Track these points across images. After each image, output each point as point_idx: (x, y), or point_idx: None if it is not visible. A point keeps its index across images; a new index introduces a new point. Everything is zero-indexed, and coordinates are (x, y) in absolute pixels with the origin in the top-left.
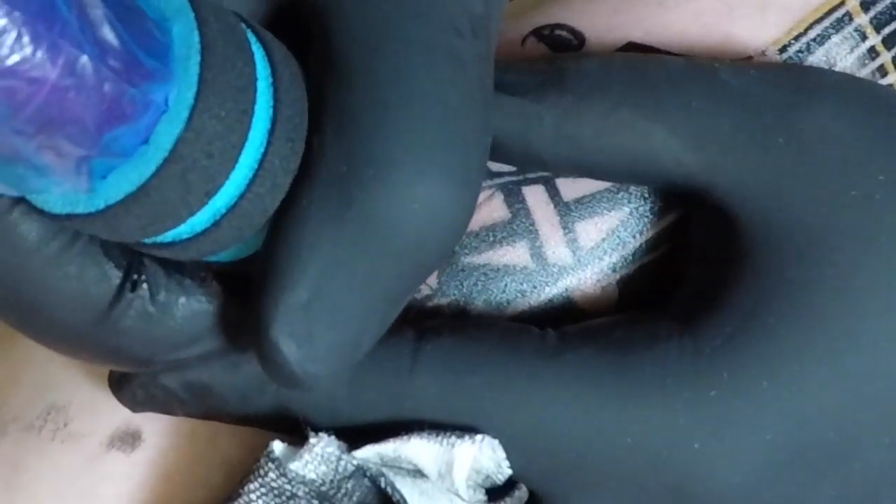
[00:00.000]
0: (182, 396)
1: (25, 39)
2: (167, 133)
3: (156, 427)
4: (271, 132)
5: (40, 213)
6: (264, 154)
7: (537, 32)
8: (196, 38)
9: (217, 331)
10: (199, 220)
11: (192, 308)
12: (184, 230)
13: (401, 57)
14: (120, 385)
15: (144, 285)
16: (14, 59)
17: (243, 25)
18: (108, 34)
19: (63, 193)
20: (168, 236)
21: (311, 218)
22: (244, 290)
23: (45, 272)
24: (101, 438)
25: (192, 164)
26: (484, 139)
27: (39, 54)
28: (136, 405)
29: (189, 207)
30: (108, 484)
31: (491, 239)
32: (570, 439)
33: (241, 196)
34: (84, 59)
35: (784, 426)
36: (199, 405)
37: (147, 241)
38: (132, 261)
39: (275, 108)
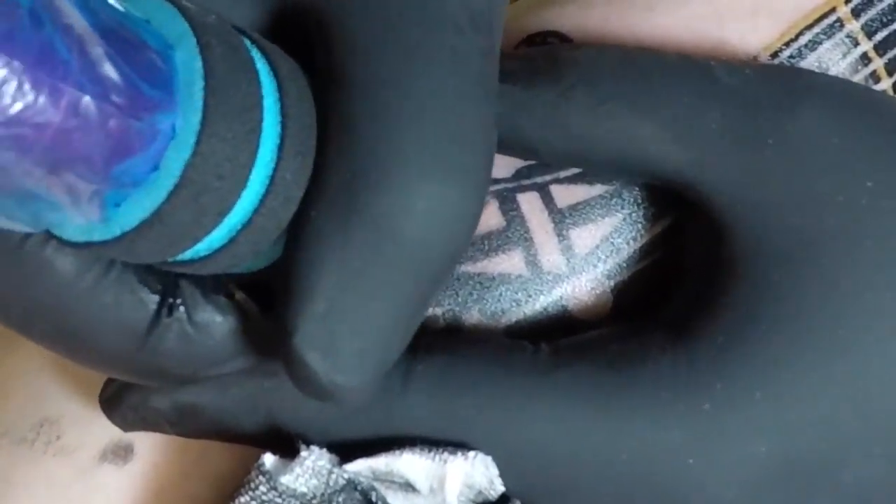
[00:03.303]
0: (172, 418)
1: (27, 87)
2: (176, 159)
3: (148, 441)
4: (281, 147)
5: (69, 245)
6: (275, 170)
7: (529, 40)
8: (199, 63)
9: (254, 345)
10: (216, 237)
11: (229, 325)
12: (201, 248)
13: (399, 60)
14: (110, 406)
15: (181, 308)
16: (17, 107)
17: (247, 43)
18: (110, 71)
19: (79, 224)
20: (187, 255)
21: (321, 228)
22: (272, 302)
23: (84, 304)
24: (94, 452)
25: (203, 188)
26: (489, 134)
27: (42, 100)
28: (126, 425)
29: (204, 228)
30: (100, 497)
31: (486, 247)
32: (564, 457)
33: (255, 212)
34: (87, 99)
35: (778, 438)
36: (190, 426)
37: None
38: (167, 284)
39: (283, 123)
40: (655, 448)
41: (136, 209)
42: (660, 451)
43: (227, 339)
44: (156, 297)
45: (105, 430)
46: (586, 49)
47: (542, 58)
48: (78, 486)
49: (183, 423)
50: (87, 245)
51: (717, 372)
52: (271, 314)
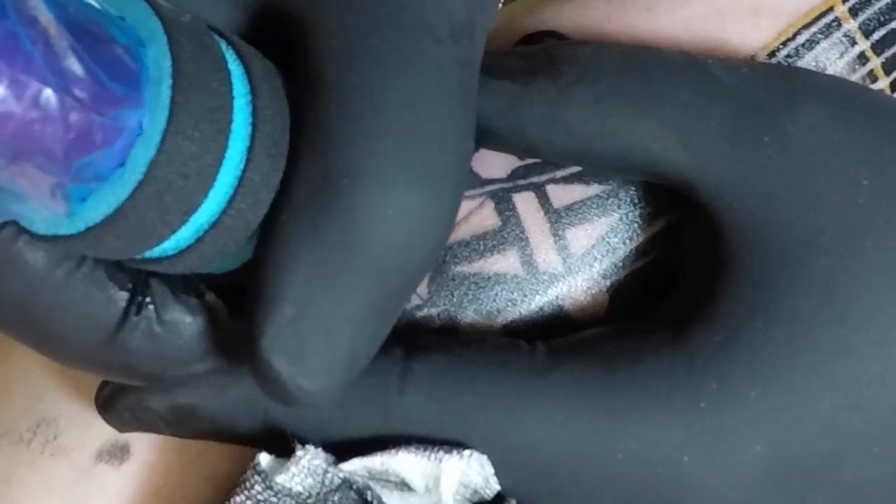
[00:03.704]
0: (169, 418)
1: None
2: (141, 156)
3: (145, 441)
4: (251, 149)
5: (37, 238)
6: (244, 171)
7: (527, 39)
8: (168, 61)
9: (223, 347)
10: (183, 236)
11: (197, 326)
12: (168, 246)
13: (373, 66)
14: (107, 407)
15: (150, 306)
16: None
17: (222, 43)
18: (74, 65)
19: (46, 216)
20: (154, 252)
21: (291, 232)
22: (243, 303)
23: (53, 298)
24: (91, 452)
25: (167, 186)
26: (463, 145)
27: (2, 90)
28: (123, 426)
29: (169, 226)
30: (97, 497)
31: (481, 247)
32: (561, 457)
33: (223, 212)
34: (48, 91)
35: (775, 436)
36: (187, 426)
37: (135, 257)
38: (138, 282)
39: (254, 124)
40: (652, 447)
41: (101, 204)
42: (656, 449)
43: (196, 340)
44: (125, 295)
45: (102, 431)
46: (585, 46)
47: (540, 55)
48: (75, 485)
49: (180, 424)
50: (54, 238)
51: (714, 371)
52: (241, 316)
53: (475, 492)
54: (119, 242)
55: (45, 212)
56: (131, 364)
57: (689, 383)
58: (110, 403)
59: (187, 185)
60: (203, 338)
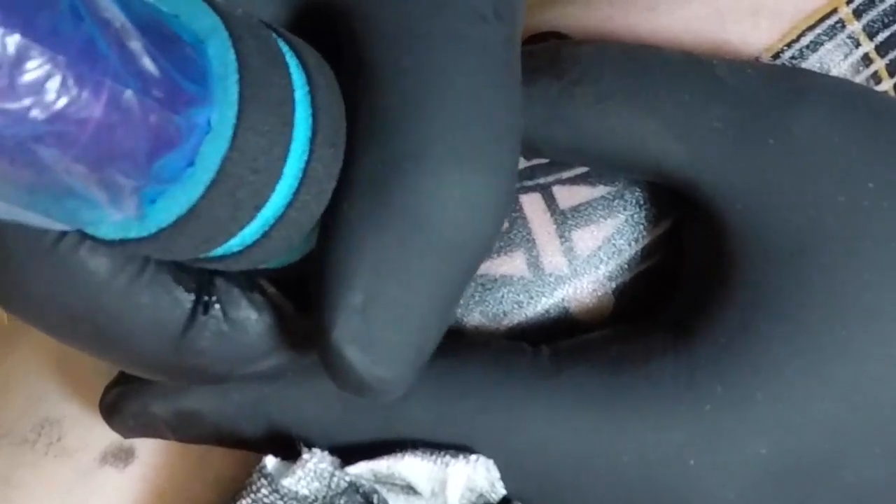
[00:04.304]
0: (174, 424)
1: (70, 82)
2: (212, 154)
3: (149, 444)
4: (312, 140)
5: (103, 244)
6: (308, 162)
7: (530, 40)
8: (232, 56)
9: (289, 342)
10: (250, 232)
11: (264, 323)
12: (235, 243)
13: (426, 50)
14: (111, 413)
15: (217, 306)
16: (61, 102)
17: (275, 36)
18: (149, 65)
19: (115, 221)
20: (219, 250)
21: (353, 219)
22: (304, 297)
23: (119, 304)
24: (95, 454)
25: (239, 182)
26: (516, 121)
27: (85, 94)
28: (127, 432)
29: (239, 222)
30: (100, 499)
31: None
32: (565, 460)
33: (289, 205)
34: (128, 93)
35: (778, 438)
36: (191, 431)
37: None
38: (202, 282)
39: (314, 115)
40: (657, 449)
41: (173, 205)
42: (661, 452)
43: (263, 337)
44: (191, 296)
45: (106, 432)
46: (588, 45)
47: (543, 54)
48: (78, 487)
49: (184, 430)
50: (123, 243)
51: (718, 373)
52: (305, 310)
53: (481, 495)
54: (190, 242)
55: (116, 216)
56: (200, 365)
57: (692, 386)
58: (115, 409)
59: (258, 180)
60: (270, 334)
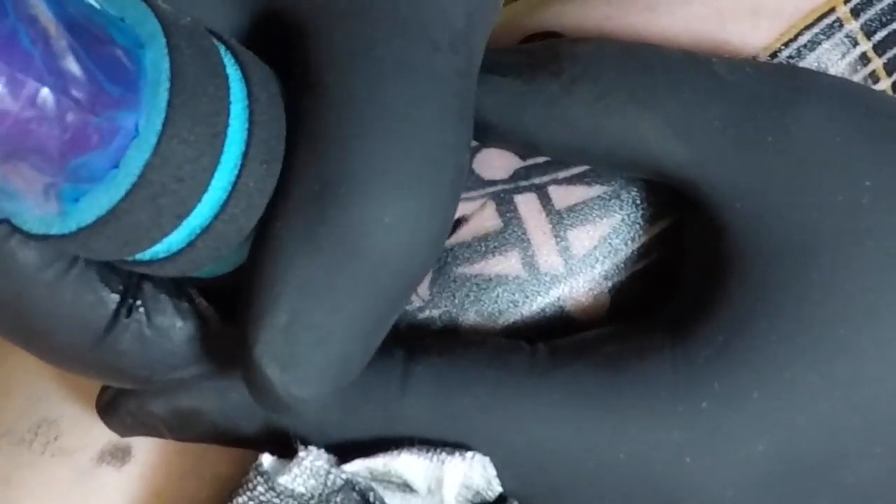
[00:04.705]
0: (171, 423)
1: None
2: (136, 158)
3: (146, 443)
4: (245, 154)
5: (29, 237)
6: (238, 176)
7: (529, 40)
8: (166, 64)
9: (213, 353)
10: (175, 239)
11: (188, 331)
12: (160, 249)
13: (372, 74)
14: (108, 411)
15: (141, 310)
16: None
17: (221, 47)
18: (72, 65)
19: (38, 216)
20: (146, 255)
21: (286, 238)
22: (234, 308)
23: (43, 298)
24: (92, 453)
25: (161, 189)
26: (459, 154)
27: (1, 89)
28: (124, 430)
29: (161, 229)
30: (98, 498)
31: (483, 249)
32: (562, 457)
33: (216, 217)
34: (45, 91)
35: (776, 437)
36: (189, 430)
37: (126, 259)
38: (129, 285)
39: (250, 130)
40: (653, 448)
41: (94, 206)
42: (658, 450)
43: (186, 345)
44: (116, 297)
45: (103, 432)
46: (587, 43)
47: (542, 52)
48: (76, 487)
49: (182, 428)
50: (45, 238)
51: (715, 371)
52: (232, 322)
53: (477, 493)
54: (110, 244)
55: (37, 211)
56: (120, 366)
57: (690, 383)
58: (112, 408)
59: (181, 189)
60: (193, 343)
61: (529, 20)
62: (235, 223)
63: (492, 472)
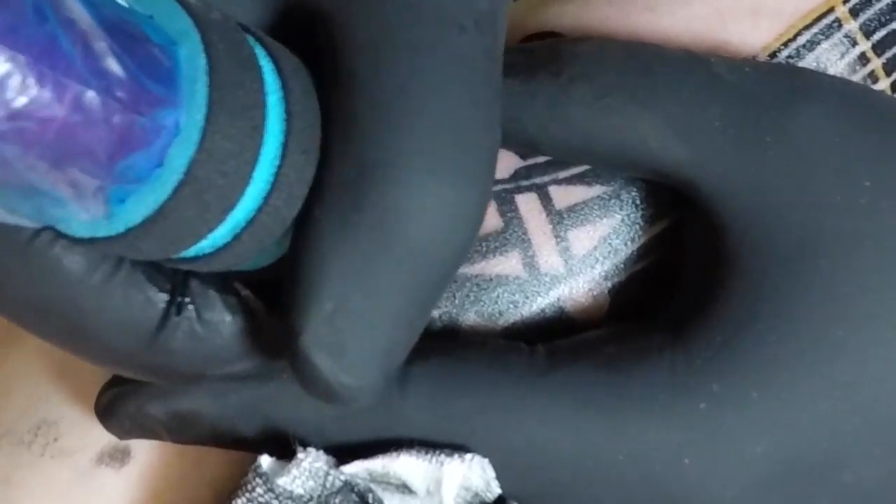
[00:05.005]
0: (170, 425)
1: (31, 81)
2: (180, 156)
3: (145, 444)
4: (285, 145)
5: (75, 242)
6: (279, 167)
7: (529, 40)
8: (203, 60)
9: (261, 345)
10: (220, 234)
11: (237, 325)
12: (205, 245)
13: (403, 59)
14: (106, 414)
15: (190, 307)
16: (21, 101)
17: (251, 40)
18: (113, 66)
19: (84, 220)
20: (190, 252)
21: (326, 226)
22: (277, 300)
23: (92, 302)
24: (92, 454)
25: (207, 184)
26: (493, 134)
27: (46, 94)
28: (123, 433)
29: (207, 225)
30: (97, 499)
31: (483, 249)
32: (562, 458)
33: (259, 210)
34: (91, 94)
35: (776, 438)
36: (188, 433)
37: (171, 257)
38: (176, 283)
39: (287, 120)
40: (652, 449)
41: (140, 206)
42: (657, 451)
43: (236, 339)
44: (165, 296)
45: (103, 433)
46: (587, 43)
47: (542, 51)
48: (76, 488)
49: (180, 431)
50: (92, 241)
51: (714, 372)
52: (277, 313)
53: (476, 495)
54: (158, 243)
55: (83, 215)
56: (172, 365)
57: (689, 384)
58: (110, 411)
59: (226, 184)
60: (243, 336)
61: (529, 20)
62: (278, 214)
63: (491, 473)
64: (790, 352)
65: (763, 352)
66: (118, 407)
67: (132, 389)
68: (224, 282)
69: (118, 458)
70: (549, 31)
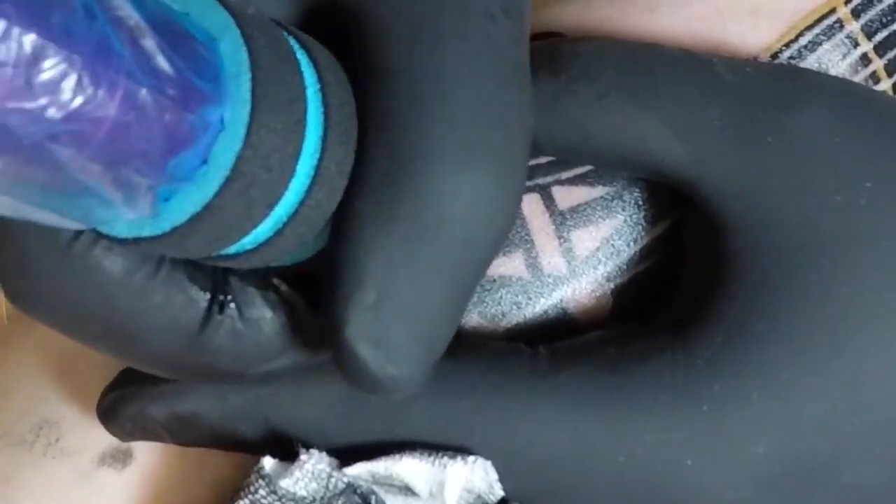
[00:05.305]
0: (171, 427)
1: (86, 81)
2: (226, 152)
3: (147, 445)
4: (325, 138)
5: (117, 242)
6: (320, 160)
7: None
8: (245, 54)
9: (303, 340)
10: (263, 230)
11: (279, 321)
12: (248, 241)
13: (435, 48)
14: (108, 416)
15: (232, 305)
16: (77, 102)
17: (286, 34)
18: (163, 63)
19: (129, 220)
20: (233, 248)
21: (365, 218)
22: (316, 294)
23: (134, 304)
24: (93, 455)
25: (252, 180)
26: (525, 120)
27: (100, 93)
28: (125, 435)
29: (253, 220)
30: (98, 500)
31: None
32: (563, 460)
33: (302, 203)
34: (143, 92)
35: (776, 438)
36: (189, 434)
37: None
38: (217, 281)
39: (325, 113)
40: (654, 450)
41: (187, 203)
42: (658, 452)
43: (277, 335)
44: (206, 295)
45: (104, 434)
46: (587, 43)
47: (543, 51)
48: (77, 489)
49: (182, 433)
50: (137, 241)
51: (715, 373)
52: (318, 307)
53: (479, 497)
54: (203, 240)
55: (131, 214)
56: (215, 364)
57: (690, 385)
58: (112, 413)
59: (270, 178)
60: (284, 332)
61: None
62: (320, 207)
63: (493, 475)
64: (790, 352)
65: (763, 352)
66: (120, 409)
67: (133, 392)
68: (263, 278)
69: (120, 459)
70: (550, 31)
